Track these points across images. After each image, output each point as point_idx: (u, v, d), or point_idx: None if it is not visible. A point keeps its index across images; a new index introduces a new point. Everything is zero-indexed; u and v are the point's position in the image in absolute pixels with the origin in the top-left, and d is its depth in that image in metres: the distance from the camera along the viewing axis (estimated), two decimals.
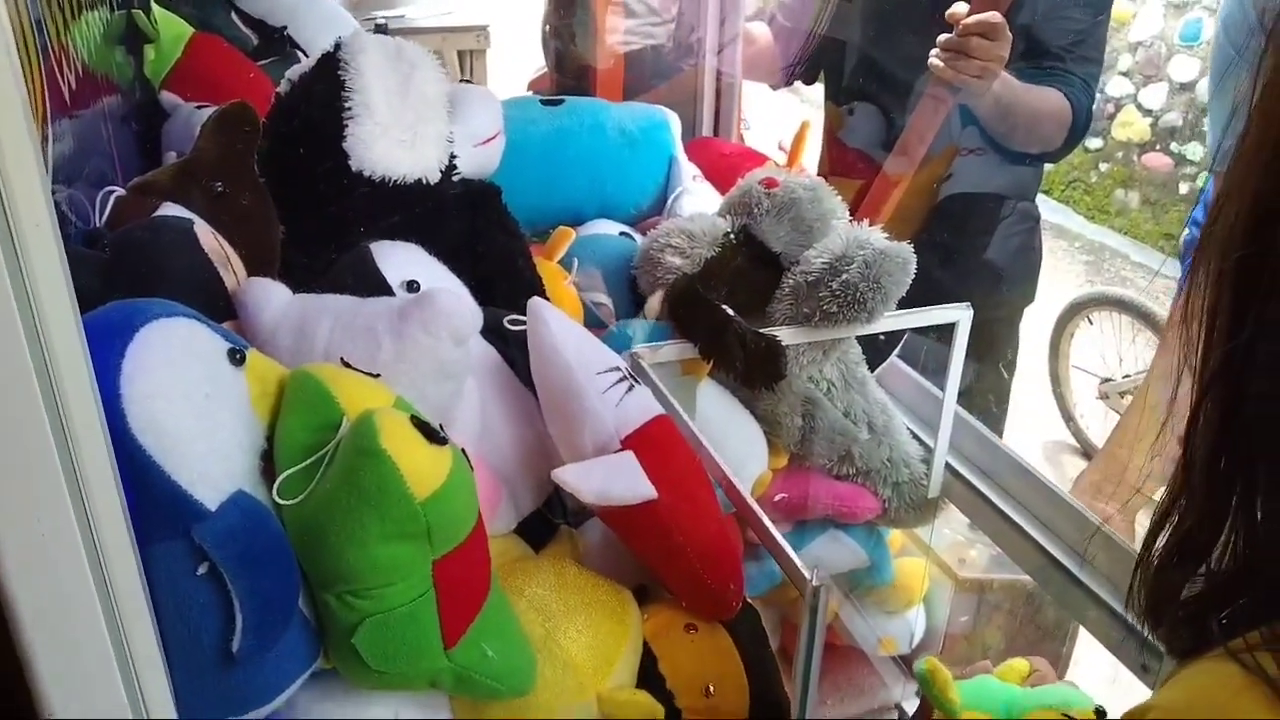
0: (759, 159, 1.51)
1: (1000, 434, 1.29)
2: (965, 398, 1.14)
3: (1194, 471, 0.46)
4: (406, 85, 0.93)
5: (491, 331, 0.91)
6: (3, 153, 0.47)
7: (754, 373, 0.98)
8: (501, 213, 1.05)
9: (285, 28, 1.68)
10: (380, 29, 2.48)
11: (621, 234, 1.32)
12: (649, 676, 0.81)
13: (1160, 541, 0.49)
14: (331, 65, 0.92)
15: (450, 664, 0.68)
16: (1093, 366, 3.39)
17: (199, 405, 0.62)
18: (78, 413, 0.52)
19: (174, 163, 0.94)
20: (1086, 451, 3.42)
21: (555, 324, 0.84)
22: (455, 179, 1.00)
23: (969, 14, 1.46)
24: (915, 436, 1.15)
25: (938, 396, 1.12)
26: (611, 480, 0.80)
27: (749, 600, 0.90)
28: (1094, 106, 1.63)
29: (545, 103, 1.38)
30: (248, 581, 0.61)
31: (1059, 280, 4.18)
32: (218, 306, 0.77)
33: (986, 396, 1.48)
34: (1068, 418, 3.44)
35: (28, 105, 0.49)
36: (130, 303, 0.64)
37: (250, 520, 0.63)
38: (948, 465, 1.13)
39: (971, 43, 1.46)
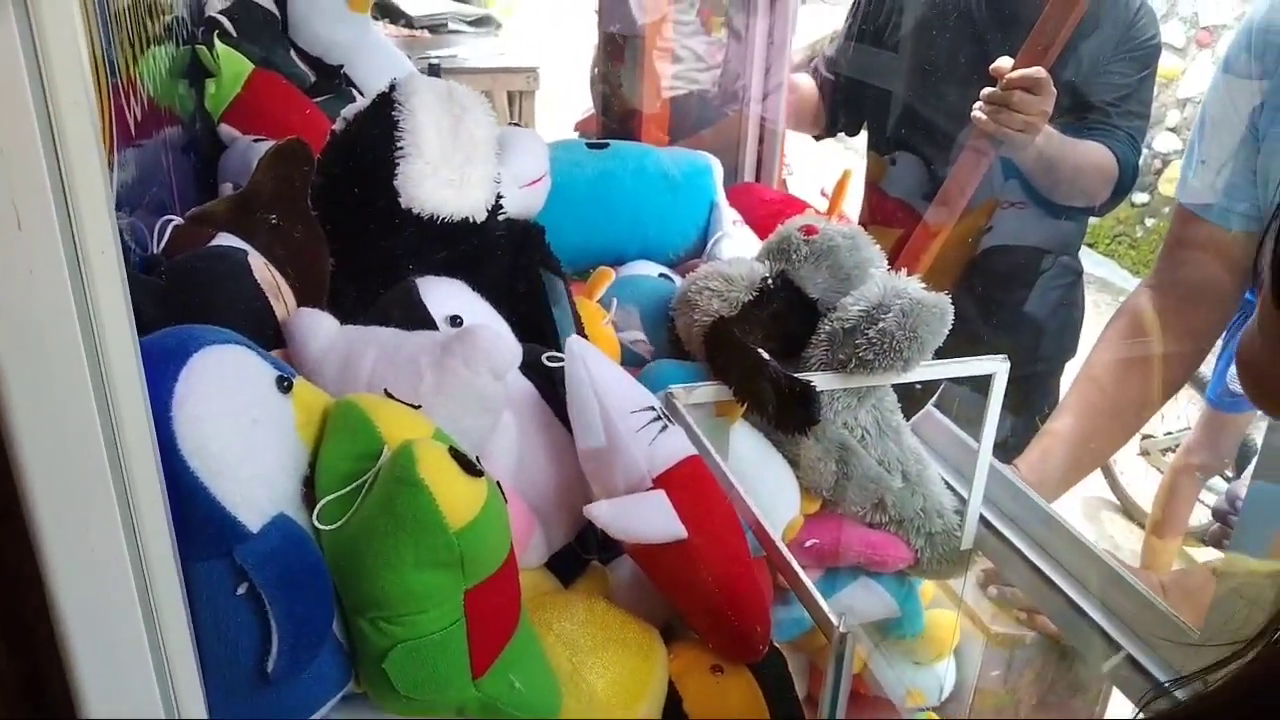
0: (799, 206, 1.52)
1: None
2: (1002, 450, 1.14)
3: None
4: (457, 127, 0.96)
5: (530, 368, 0.92)
6: (75, 183, 0.49)
7: (787, 416, 0.99)
8: (544, 252, 1.07)
9: (342, 66, 1.73)
10: (433, 69, 2.54)
11: (661, 275, 1.34)
12: (673, 716, 0.82)
13: None
14: (386, 106, 0.95)
15: (478, 693, 0.69)
16: None
17: (246, 430, 0.64)
18: (131, 432, 0.54)
19: (231, 195, 0.97)
20: (1126, 508, 3.37)
21: (592, 362, 0.85)
22: (501, 218, 1.02)
23: (1013, 68, 1.48)
24: (949, 487, 1.15)
25: (973, 447, 1.12)
26: (642, 519, 0.81)
27: (776, 645, 0.90)
28: (1140, 162, 1.63)
29: (591, 146, 1.41)
30: (285, 603, 0.63)
31: None
32: (268, 335, 0.80)
33: (1024, 449, 1.48)
34: (1108, 474, 3.40)
35: (100, 139, 0.52)
36: (185, 329, 0.66)
37: (290, 543, 0.64)
38: (981, 517, 1.13)
39: (1015, 97, 1.47)
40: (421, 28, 3.48)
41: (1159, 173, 4.81)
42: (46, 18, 0.47)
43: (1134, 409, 1.43)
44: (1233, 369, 2.59)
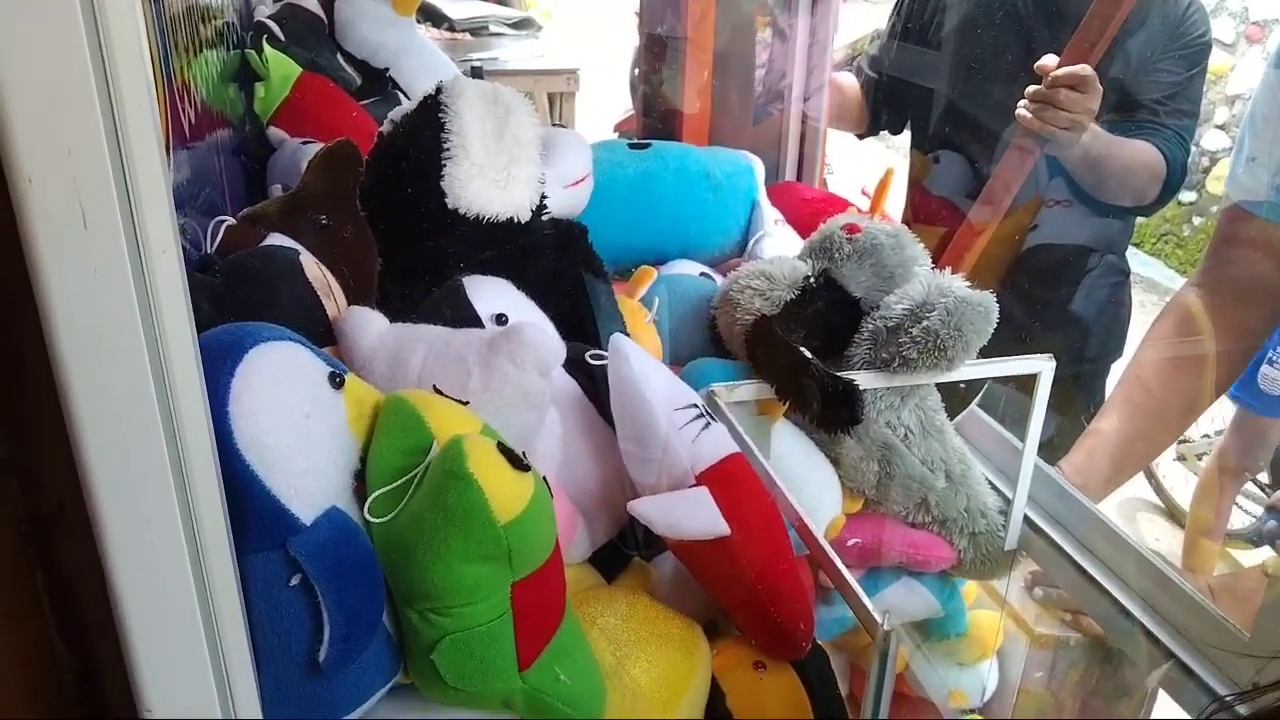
0: (841, 204, 1.52)
1: None
2: (1047, 450, 1.13)
3: None
4: (502, 128, 0.97)
5: (574, 365, 0.93)
6: (138, 183, 0.51)
7: (830, 416, 0.99)
8: (588, 251, 1.08)
9: (388, 69, 1.76)
10: (475, 71, 2.57)
11: (702, 274, 1.34)
12: (716, 711, 0.82)
13: None
14: (432, 108, 0.97)
15: (524, 685, 0.70)
16: None
17: (300, 425, 0.66)
18: (190, 427, 0.56)
19: (281, 196, 0.99)
20: (1170, 510, 3.32)
21: (636, 360, 0.86)
22: (545, 218, 1.03)
23: (1059, 65, 1.46)
24: (994, 487, 1.14)
25: (1017, 447, 1.11)
26: (685, 515, 0.81)
27: (818, 642, 0.90)
28: (1189, 160, 1.61)
29: (633, 146, 1.41)
30: (337, 594, 0.64)
31: None
32: (319, 332, 0.81)
33: (1069, 450, 1.47)
34: (1150, 476, 3.35)
35: (162, 143, 0.53)
36: (240, 326, 0.68)
37: (342, 536, 0.66)
38: (1025, 518, 1.12)
39: (1060, 95, 1.46)
40: (463, 30, 3.50)
41: (1207, 171, 4.73)
42: (112, 23, 0.48)
43: (1181, 409, 1.41)
44: (1263, 369, 2.54)
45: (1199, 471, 3.24)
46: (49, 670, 0.70)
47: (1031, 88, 1.49)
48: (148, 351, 0.53)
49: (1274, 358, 2.52)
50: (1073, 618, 1.18)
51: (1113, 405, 1.43)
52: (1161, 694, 0.97)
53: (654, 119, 2.15)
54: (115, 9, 0.48)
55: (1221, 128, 4.67)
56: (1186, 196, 4.81)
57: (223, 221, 0.95)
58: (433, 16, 3.48)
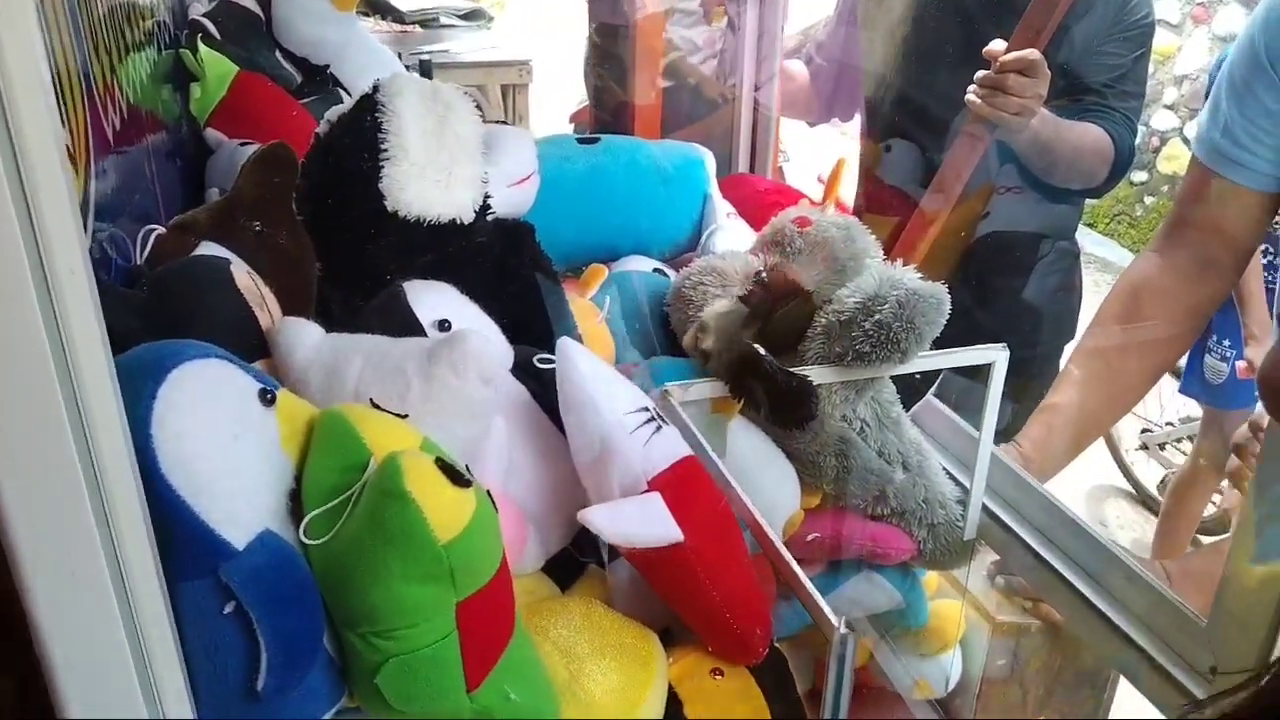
0: (793, 196, 1.51)
1: None
2: (1001, 438, 1.13)
3: None
4: (442, 127, 0.94)
5: (522, 369, 0.91)
6: (40, 202, 0.48)
7: (784, 412, 0.98)
8: (535, 251, 1.06)
9: (328, 66, 1.72)
10: (424, 65, 2.53)
11: (655, 270, 1.33)
12: None
13: None
14: (369, 107, 0.94)
15: (472, 706, 0.67)
16: (1139, 408, 3.34)
17: (228, 445, 0.63)
18: (108, 453, 0.53)
19: (213, 202, 0.96)
20: (1139, 495, 3.35)
21: (584, 363, 0.84)
22: (489, 218, 1.01)
23: (1007, 50, 1.46)
24: (951, 477, 1.13)
25: (973, 436, 1.11)
26: (637, 522, 0.80)
27: (777, 644, 0.89)
28: (1138, 140, 1.62)
29: (581, 141, 1.39)
30: (273, 621, 0.62)
31: None
32: (252, 345, 0.79)
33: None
34: (1120, 463, 3.38)
35: (65, 158, 0.50)
36: (163, 344, 0.65)
37: (277, 560, 0.63)
38: (984, 506, 1.11)
39: (1009, 80, 1.45)
40: (412, 23, 3.45)
41: (1157, 150, 4.79)
42: (4, 35, 0.45)
43: (1135, 378, 1.41)
44: (1205, 360, 2.57)
45: (1162, 460, 3.27)
46: None
47: (980, 73, 1.49)
48: (58, 377, 0.50)
49: (1212, 346, 2.54)
50: (1033, 605, 1.18)
51: (1068, 376, 1.43)
52: (1124, 683, 0.98)
53: (607, 110, 2.13)
54: (8, 23, 0.45)
55: (1170, 108, 4.73)
56: (1138, 176, 4.87)
57: (152, 230, 0.91)
58: (381, 9, 3.44)
